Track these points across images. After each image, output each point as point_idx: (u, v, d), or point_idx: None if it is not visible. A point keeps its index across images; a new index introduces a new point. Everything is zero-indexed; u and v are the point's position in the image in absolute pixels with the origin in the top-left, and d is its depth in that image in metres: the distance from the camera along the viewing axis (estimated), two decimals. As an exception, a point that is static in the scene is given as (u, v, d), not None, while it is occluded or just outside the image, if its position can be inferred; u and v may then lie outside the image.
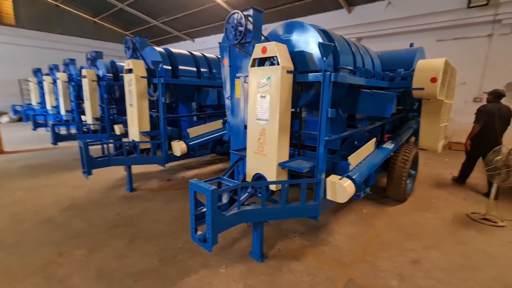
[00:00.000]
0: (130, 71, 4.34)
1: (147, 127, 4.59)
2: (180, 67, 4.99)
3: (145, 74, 4.44)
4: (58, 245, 2.96)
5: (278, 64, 2.46)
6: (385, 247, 3.04)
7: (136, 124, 4.48)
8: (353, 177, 2.72)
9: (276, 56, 2.48)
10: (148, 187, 4.75)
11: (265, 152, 2.68)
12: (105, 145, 4.25)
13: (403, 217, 3.77)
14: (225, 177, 2.87)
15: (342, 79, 2.58)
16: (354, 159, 2.98)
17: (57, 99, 9.51)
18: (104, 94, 6.30)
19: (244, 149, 3.05)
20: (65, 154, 7.08)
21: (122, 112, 6.72)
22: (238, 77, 3.37)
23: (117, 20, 16.98)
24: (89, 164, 3.92)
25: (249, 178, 2.90)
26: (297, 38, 2.87)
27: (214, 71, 5.55)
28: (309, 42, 2.78)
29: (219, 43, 3.64)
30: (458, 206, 4.15)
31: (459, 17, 8.21)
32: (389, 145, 3.76)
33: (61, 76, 8.21)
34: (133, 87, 4.34)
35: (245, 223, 2.75)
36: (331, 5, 10.43)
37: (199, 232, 2.30)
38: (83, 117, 7.72)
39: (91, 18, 16.96)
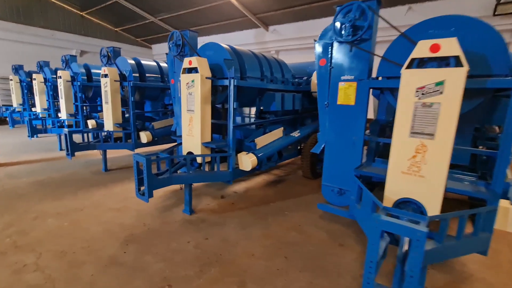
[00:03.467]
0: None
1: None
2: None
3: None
4: (150, 300, 2.22)
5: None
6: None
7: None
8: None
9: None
10: (205, 207, 4.03)
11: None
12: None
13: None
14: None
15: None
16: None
17: (48, 100, 8.73)
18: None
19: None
20: (76, 165, 6.04)
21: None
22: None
23: (108, 15, 15.66)
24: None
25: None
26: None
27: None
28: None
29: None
30: None
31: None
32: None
33: (64, 75, 7.14)
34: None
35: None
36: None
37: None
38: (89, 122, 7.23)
39: (77, 12, 15.46)
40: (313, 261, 2.78)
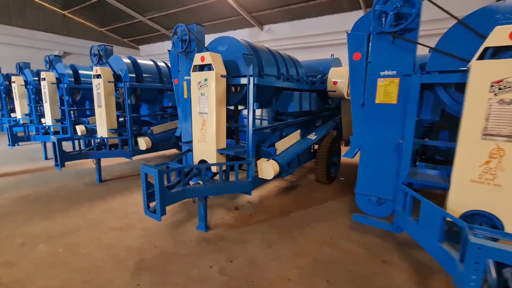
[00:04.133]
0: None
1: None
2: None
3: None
4: None
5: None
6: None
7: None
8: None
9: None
10: (221, 221, 3.58)
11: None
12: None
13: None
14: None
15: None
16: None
17: (29, 104, 8.13)
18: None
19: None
20: (66, 176, 5.42)
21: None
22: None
23: (92, 14, 14.84)
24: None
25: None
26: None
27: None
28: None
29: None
30: None
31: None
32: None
33: (49, 77, 6.49)
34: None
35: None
36: (348, 5, 10.04)
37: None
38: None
39: (59, 11, 14.55)
40: (360, 285, 2.41)
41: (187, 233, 3.24)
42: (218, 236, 3.19)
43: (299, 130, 4.22)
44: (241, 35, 13.37)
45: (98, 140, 4.99)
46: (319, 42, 11.38)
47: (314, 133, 4.54)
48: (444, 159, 3.16)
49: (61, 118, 6.87)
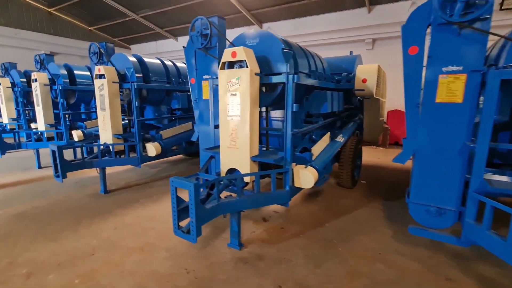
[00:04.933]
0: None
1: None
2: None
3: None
4: None
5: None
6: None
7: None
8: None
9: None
10: (252, 236, 3.22)
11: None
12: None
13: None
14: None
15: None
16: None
17: (17, 108, 7.59)
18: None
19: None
20: (65, 187, 4.90)
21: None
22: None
23: (80, 12, 14.07)
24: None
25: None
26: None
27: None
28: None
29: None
30: None
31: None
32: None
33: (41, 77, 5.92)
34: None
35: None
36: (351, 3, 9.84)
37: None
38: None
39: (45, 8, 13.72)
40: (436, 311, 2.10)
41: (219, 253, 2.85)
42: (255, 255, 2.82)
43: (329, 133, 3.90)
44: (239, 33, 12.97)
45: (102, 147, 4.52)
46: (321, 41, 11.14)
47: (341, 135, 4.23)
48: (502, 162, 2.91)
49: (55, 122, 6.30)
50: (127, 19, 13.57)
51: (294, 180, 3.09)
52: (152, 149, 4.64)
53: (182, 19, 13.02)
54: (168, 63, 5.38)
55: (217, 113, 3.37)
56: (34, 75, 5.97)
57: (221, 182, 2.82)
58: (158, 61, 5.22)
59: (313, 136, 3.84)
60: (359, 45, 10.41)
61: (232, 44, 3.24)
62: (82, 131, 6.08)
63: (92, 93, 6.89)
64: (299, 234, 3.26)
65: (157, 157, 4.76)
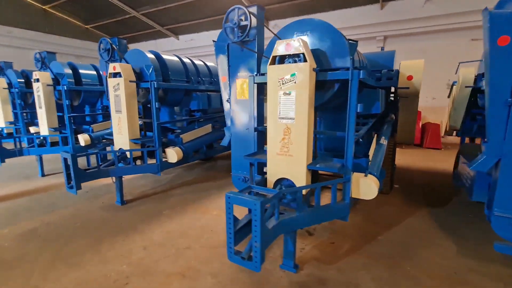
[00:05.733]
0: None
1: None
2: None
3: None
4: None
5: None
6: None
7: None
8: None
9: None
10: (303, 253, 2.83)
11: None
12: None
13: None
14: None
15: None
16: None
17: (14, 111, 7.15)
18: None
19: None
20: (74, 198, 4.42)
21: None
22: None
23: (76, 9, 13.47)
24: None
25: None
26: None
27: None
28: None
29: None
30: None
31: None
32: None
33: (43, 77, 5.42)
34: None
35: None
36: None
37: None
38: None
39: (38, 5, 13.05)
40: None
41: (274, 277, 2.46)
42: (315, 279, 2.44)
43: (376, 135, 3.55)
44: (244, 31, 12.54)
45: (118, 153, 4.07)
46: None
47: (383, 137, 3.88)
48: None
49: (59, 126, 5.80)
50: (126, 16, 13.02)
51: (353, 190, 2.72)
52: (173, 154, 4.21)
53: (185, 16, 12.55)
54: (186, 60, 4.95)
55: (261, 115, 3.02)
56: (36, 75, 5.46)
57: (285, 196, 2.45)
58: (177, 58, 4.79)
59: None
60: (370, 42, 10.14)
61: (278, 37, 2.84)
62: (89, 135, 5.60)
63: (98, 94, 6.43)
64: (355, 251, 2.90)
65: (178, 163, 4.33)
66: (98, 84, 6.25)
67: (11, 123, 7.18)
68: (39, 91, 5.49)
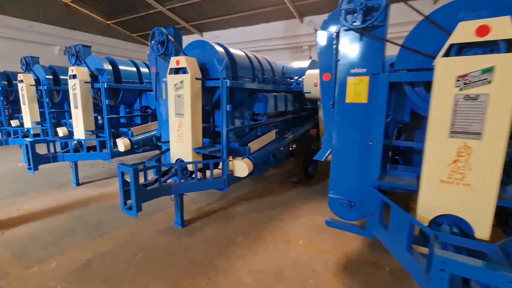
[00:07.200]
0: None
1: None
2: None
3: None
4: None
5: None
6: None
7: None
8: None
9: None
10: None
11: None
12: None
13: None
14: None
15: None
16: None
17: (41, 110, 6.49)
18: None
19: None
20: (122, 216, 3.72)
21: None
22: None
23: (99, 3, 12.93)
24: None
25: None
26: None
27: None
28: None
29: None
30: None
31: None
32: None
33: (80, 73, 4.76)
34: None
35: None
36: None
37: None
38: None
39: (61, 0, 12.56)
40: None
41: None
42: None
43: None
44: (275, 28, 11.87)
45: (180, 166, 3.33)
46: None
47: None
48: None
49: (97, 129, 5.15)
50: (150, 11, 12.41)
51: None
52: (243, 167, 3.43)
53: (212, 12, 11.90)
54: (251, 55, 4.21)
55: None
56: (72, 70, 4.80)
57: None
58: (242, 53, 4.03)
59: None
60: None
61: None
62: (129, 139, 4.93)
63: (137, 92, 5.76)
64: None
65: (246, 176, 3.58)
66: (138, 82, 5.59)
67: (37, 123, 6.56)
68: (75, 88, 4.83)
